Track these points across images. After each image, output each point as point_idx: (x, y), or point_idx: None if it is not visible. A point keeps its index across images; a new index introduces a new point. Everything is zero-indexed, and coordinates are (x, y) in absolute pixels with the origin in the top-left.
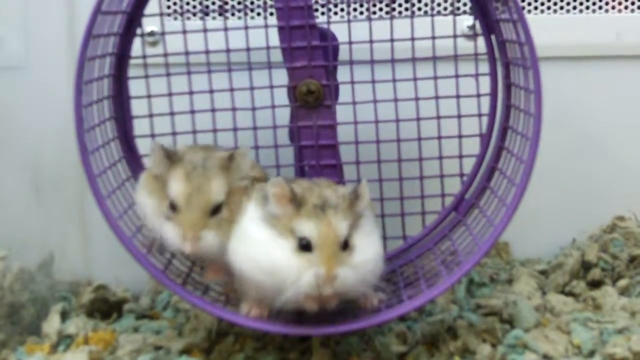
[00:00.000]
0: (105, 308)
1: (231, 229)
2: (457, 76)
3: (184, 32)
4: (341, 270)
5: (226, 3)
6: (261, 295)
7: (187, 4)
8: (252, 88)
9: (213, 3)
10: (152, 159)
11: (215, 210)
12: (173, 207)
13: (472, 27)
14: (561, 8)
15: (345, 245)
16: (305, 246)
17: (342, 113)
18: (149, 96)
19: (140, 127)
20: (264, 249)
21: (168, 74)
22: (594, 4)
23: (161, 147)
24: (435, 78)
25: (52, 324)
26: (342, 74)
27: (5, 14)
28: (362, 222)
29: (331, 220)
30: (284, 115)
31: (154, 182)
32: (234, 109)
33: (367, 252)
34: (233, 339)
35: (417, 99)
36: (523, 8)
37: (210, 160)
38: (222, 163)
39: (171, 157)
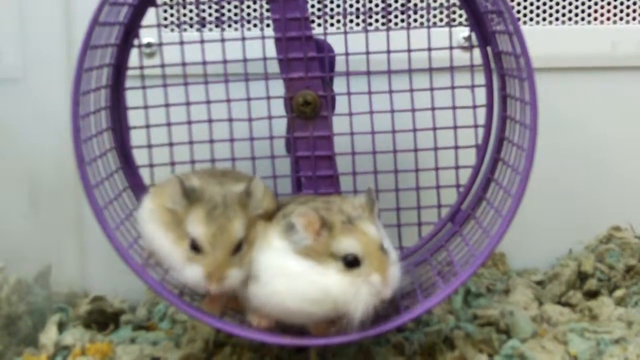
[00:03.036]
0: (102, 319)
1: (250, 261)
2: (453, 87)
3: (181, 43)
4: (391, 271)
5: (223, 14)
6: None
7: (184, 15)
8: (248, 99)
9: (210, 15)
10: (167, 193)
11: (238, 247)
12: (195, 247)
13: (468, 39)
14: (556, 19)
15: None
16: (352, 262)
17: (339, 124)
18: (146, 107)
19: (137, 137)
20: (309, 280)
21: (165, 85)
22: (589, 15)
23: (180, 183)
24: (432, 89)
25: (49, 335)
26: (339, 85)
27: (1, 26)
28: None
29: (366, 230)
30: (280, 126)
31: (169, 216)
32: (230, 120)
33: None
34: (230, 349)
35: (413, 110)
36: (518, 19)
37: (229, 197)
38: (240, 199)
39: (190, 196)
